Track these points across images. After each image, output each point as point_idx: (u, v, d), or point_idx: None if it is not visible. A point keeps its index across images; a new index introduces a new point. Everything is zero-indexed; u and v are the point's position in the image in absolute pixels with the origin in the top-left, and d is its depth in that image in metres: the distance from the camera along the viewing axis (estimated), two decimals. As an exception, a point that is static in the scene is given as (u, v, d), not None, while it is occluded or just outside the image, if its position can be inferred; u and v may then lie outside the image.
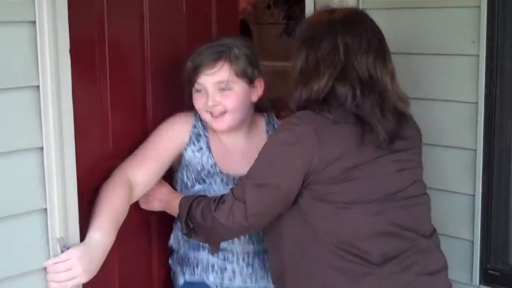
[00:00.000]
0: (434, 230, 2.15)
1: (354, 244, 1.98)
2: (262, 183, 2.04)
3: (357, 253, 1.97)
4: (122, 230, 2.21)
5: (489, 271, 2.55)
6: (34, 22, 1.93)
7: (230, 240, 2.33)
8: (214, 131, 2.37)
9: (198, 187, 2.33)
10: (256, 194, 2.04)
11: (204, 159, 2.33)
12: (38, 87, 1.95)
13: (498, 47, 2.47)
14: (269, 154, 2.05)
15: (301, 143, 1.98)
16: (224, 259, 2.36)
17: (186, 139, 2.34)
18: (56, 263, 1.98)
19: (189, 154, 2.34)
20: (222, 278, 2.36)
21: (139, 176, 2.27)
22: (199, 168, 2.33)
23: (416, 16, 2.65)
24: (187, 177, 2.36)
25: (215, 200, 2.11)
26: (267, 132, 2.41)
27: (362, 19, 2.14)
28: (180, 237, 2.43)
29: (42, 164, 1.98)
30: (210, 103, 2.25)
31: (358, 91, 2.02)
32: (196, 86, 2.28)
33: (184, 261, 2.43)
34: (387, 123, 2.03)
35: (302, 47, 2.10)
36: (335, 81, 2.03)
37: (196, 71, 2.25)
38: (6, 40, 1.90)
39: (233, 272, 2.36)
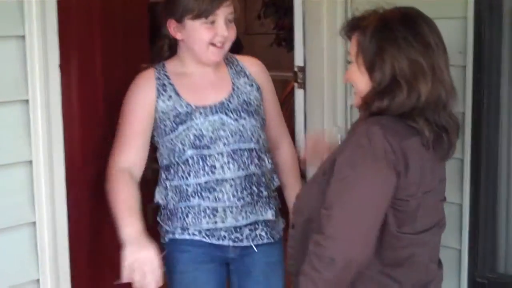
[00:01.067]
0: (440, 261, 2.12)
1: (393, 268, 1.93)
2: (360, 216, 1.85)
3: (394, 277, 1.93)
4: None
5: (477, 279, 2.55)
6: (23, 37, 1.94)
7: (222, 172, 2.37)
8: (192, 70, 2.43)
9: (180, 127, 2.36)
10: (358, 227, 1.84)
11: (177, 104, 2.37)
12: (27, 101, 1.96)
13: (485, 57, 2.48)
14: (359, 181, 1.84)
15: (388, 163, 1.82)
16: (215, 199, 2.39)
17: (154, 94, 2.38)
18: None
19: (161, 105, 2.38)
20: (215, 222, 2.39)
21: (132, 158, 2.34)
22: (174, 114, 2.37)
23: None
24: (164, 125, 2.39)
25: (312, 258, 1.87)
26: (227, 65, 2.50)
27: (428, 17, 1.98)
28: (166, 191, 2.45)
29: (31, 178, 1.99)
30: (225, 33, 2.34)
31: (450, 94, 1.91)
32: (211, 18, 2.33)
33: (173, 214, 2.44)
34: (455, 127, 1.98)
35: (387, 50, 1.88)
36: (438, 84, 1.88)
37: (214, 3, 2.32)
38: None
39: (224, 211, 2.39)
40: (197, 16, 2.32)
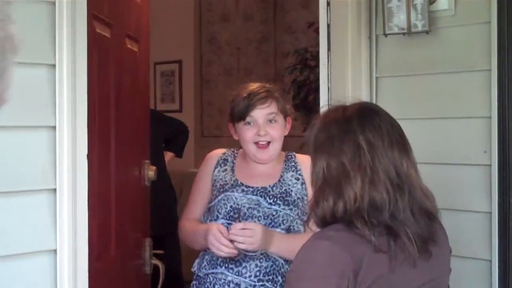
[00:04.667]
0: None
1: None
2: None
3: None
4: None
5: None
6: (54, 127, 2.01)
7: (246, 256, 2.48)
8: (251, 160, 2.65)
9: (220, 196, 2.60)
10: None
11: (228, 177, 2.66)
12: (55, 190, 2.01)
13: (510, 157, 2.49)
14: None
15: (336, 272, 1.71)
16: (239, 274, 2.50)
17: (214, 165, 2.70)
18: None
19: (215, 174, 2.68)
20: None
21: (194, 213, 2.68)
22: (221, 183, 2.64)
23: (426, 127, 2.70)
24: (213, 191, 2.65)
25: None
26: (284, 162, 2.70)
27: (378, 112, 1.91)
28: (202, 259, 2.59)
29: (55, 266, 2.01)
30: (262, 132, 2.59)
31: (392, 195, 1.78)
32: (248, 119, 2.60)
33: (202, 284, 2.56)
34: (419, 228, 1.79)
35: (320, 153, 1.86)
36: (369, 186, 1.78)
37: (250, 106, 2.60)
38: (25, 144, 1.98)
39: None
40: (238, 119, 2.62)
